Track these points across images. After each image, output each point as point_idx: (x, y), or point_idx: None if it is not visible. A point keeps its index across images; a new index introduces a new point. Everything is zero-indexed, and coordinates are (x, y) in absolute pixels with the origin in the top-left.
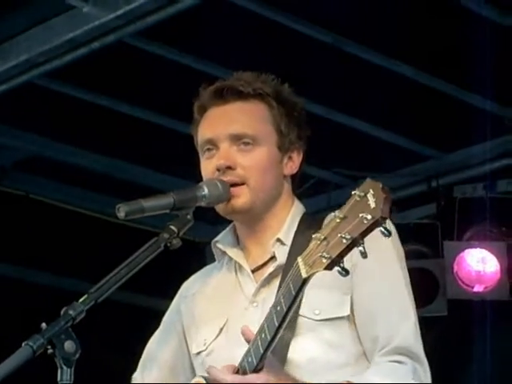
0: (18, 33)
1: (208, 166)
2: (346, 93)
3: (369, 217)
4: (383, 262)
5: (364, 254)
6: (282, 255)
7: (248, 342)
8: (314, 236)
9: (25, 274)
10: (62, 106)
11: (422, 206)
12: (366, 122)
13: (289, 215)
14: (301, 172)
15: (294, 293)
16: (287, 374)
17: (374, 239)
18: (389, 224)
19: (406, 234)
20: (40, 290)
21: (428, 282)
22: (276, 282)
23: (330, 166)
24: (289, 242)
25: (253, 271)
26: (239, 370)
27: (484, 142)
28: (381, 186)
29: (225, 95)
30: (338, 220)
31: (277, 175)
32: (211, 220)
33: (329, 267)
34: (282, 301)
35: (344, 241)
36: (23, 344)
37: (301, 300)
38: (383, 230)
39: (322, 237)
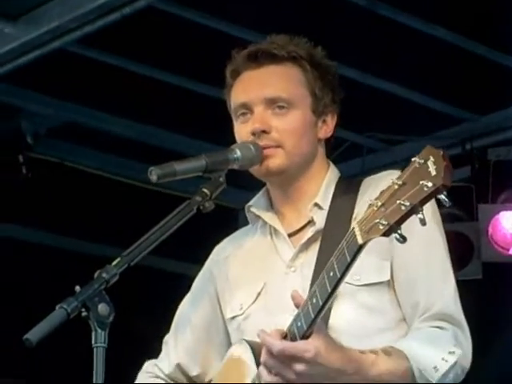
0: None
1: (242, 130)
2: (379, 56)
3: (430, 184)
4: (422, 232)
5: (423, 221)
6: (320, 220)
7: (297, 306)
8: (370, 202)
9: (60, 242)
10: (94, 72)
11: (457, 168)
12: (398, 85)
13: (325, 179)
14: (334, 136)
15: (349, 259)
16: (335, 340)
17: None
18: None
19: None
20: (74, 257)
21: (463, 246)
22: (315, 247)
23: (364, 129)
24: (326, 206)
25: (289, 235)
26: (287, 335)
27: None
28: (441, 153)
29: (259, 58)
30: (396, 186)
31: (312, 139)
32: (245, 185)
33: (386, 234)
34: (336, 266)
35: (403, 207)
36: (57, 307)
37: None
38: (444, 198)
39: (380, 203)
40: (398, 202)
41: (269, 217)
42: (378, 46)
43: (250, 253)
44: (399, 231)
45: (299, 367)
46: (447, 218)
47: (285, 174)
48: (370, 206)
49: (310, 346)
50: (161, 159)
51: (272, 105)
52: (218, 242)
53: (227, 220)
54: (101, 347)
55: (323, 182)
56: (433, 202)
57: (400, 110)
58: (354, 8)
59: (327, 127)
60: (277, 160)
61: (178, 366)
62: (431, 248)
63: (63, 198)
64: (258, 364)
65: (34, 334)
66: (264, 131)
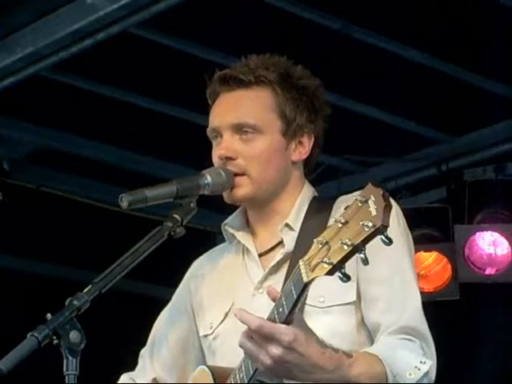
0: (23, 25)
1: (214, 155)
2: (354, 79)
3: (370, 224)
4: (387, 247)
5: (365, 261)
6: (290, 241)
7: (274, 300)
8: (315, 240)
9: (37, 267)
10: (69, 97)
11: (432, 190)
12: (373, 107)
13: (298, 199)
14: (314, 155)
15: (295, 296)
16: (316, 335)
17: None
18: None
19: (417, 219)
20: (48, 282)
21: (440, 266)
22: (283, 270)
23: (339, 152)
24: (297, 227)
25: (260, 255)
26: None
27: (493, 124)
28: (381, 192)
29: (229, 83)
30: (339, 225)
31: (282, 163)
32: (222, 208)
33: (330, 273)
34: (284, 303)
35: (345, 247)
36: (28, 335)
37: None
38: (384, 238)
39: (324, 241)
40: (340, 241)
41: (242, 236)
42: (353, 68)
43: (223, 271)
44: (343, 270)
45: (275, 350)
46: (423, 239)
47: (253, 201)
48: (315, 243)
49: (289, 331)
50: (137, 183)
51: (239, 130)
52: None
53: (205, 243)
54: (72, 375)
55: (296, 202)
56: (400, 220)
57: (375, 131)
58: (328, 31)
59: (303, 148)
60: (242, 189)
61: (154, 380)
62: (394, 265)
63: (40, 223)
64: None
65: (4, 363)
66: (230, 157)
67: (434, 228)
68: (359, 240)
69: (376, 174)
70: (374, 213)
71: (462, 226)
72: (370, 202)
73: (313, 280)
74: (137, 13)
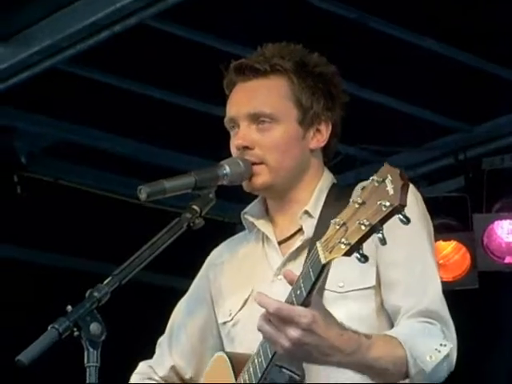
0: (40, 18)
1: (232, 144)
2: (371, 68)
3: (387, 204)
4: (407, 230)
5: (383, 241)
6: (309, 228)
7: (291, 283)
8: (332, 221)
9: (56, 260)
10: (86, 90)
11: (451, 179)
12: (390, 97)
13: (317, 187)
14: (334, 143)
15: (313, 278)
16: (335, 317)
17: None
18: (414, 195)
19: (435, 208)
20: (71, 275)
21: (459, 255)
22: (303, 256)
23: (357, 141)
24: (317, 214)
25: (280, 243)
26: None
27: (511, 112)
28: (399, 171)
29: (245, 72)
30: (356, 206)
31: (299, 151)
32: (241, 199)
33: (348, 253)
34: (302, 285)
35: (363, 227)
36: (49, 327)
37: (325, 278)
38: (402, 217)
39: (341, 222)
40: (357, 221)
41: (262, 224)
42: (369, 58)
43: (243, 259)
44: (360, 251)
45: (294, 332)
46: (442, 228)
47: (272, 189)
48: (332, 224)
49: (307, 313)
50: (155, 176)
51: (256, 120)
52: None
53: (224, 234)
54: (93, 366)
55: (315, 190)
56: (421, 206)
57: (393, 121)
58: (344, 21)
59: (321, 136)
60: (261, 177)
61: (173, 368)
62: (414, 248)
63: (58, 216)
64: (236, 376)
65: (26, 355)
66: (247, 147)
67: (452, 217)
68: (377, 220)
69: (393, 163)
70: (391, 192)
71: (480, 214)
72: (387, 181)
73: (331, 261)
74: (153, 5)
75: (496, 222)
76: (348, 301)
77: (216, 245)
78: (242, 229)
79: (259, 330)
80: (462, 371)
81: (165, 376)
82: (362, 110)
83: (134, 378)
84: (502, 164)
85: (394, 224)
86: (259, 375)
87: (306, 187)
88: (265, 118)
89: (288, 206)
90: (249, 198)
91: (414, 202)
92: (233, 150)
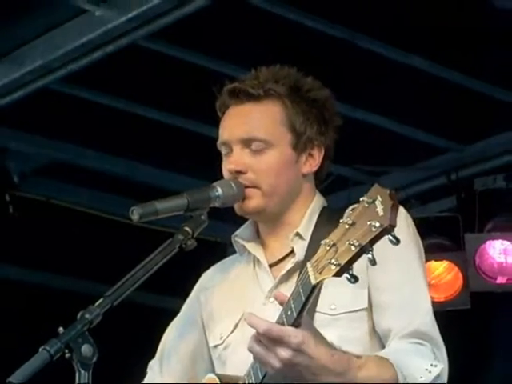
0: (32, 38)
1: (224, 168)
2: (363, 88)
3: (377, 224)
4: (398, 253)
5: (373, 262)
6: (300, 250)
7: (281, 304)
8: (322, 242)
9: (46, 279)
10: (79, 110)
11: (443, 199)
12: (383, 117)
13: (308, 210)
14: (326, 166)
15: (303, 299)
16: (325, 337)
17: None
18: (404, 217)
19: (427, 228)
20: (60, 295)
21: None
22: (294, 278)
23: (349, 162)
24: (308, 236)
25: (271, 266)
26: None
27: (503, 132)
28: (388, 192)
29: (238, 96)
30: (346, 226)
31: (293, 176)
32: (232, 219)
33: (338, 274)
34: (293, 306)
35: (353, 248)
36: (40, 349)
37: (316, 299)
38: (391, 237)
39: (331, 242)
40: (347, 242)
41: (252, 247)
42: (359, 77)
43: (234, 282)
44: (350, 271)
45: (284, 353)
46: (434, 248)
47: (264, 213)
48: (323, 245)
49: (297, 333)
50: (147, 196)
51: (249, 144)
52: None
53: (215, 254)
54: None
55: (306, 213)
56: (410, 228)
57: (384, 141)
58: (333, 40)
59: (313, 161)
60: (254, 201)
61: None
62: (405, 271)
63: (50, 236)
64: None
65: (16, 377)
66: (240, 172)
67: (444, 237)
68: (367, 240)
69: (385, 183)
70: (381, 213)
71: (472, 234)
72: (376, 202)
73: (321, 282)
74: (145, 25)
75: (488, 242)
76: (340, 323)
77: (207, 265)
78: (234, 250)
79: (250, 350)
80: None
81: None
82: (354, 130)
83: None
84: (494, 184)
85: (384, 246)
86: None
87: (298, 210)
88: (258, 142)
89: (279, 228)
90: (240, 218)
91: (405, 224)
92: (225, 173)
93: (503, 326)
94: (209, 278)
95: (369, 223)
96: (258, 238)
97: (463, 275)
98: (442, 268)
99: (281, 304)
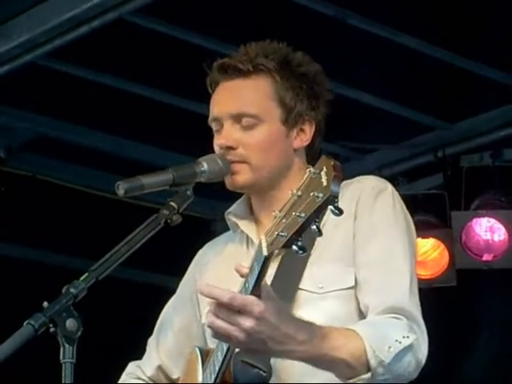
0: (19, 12)
1: (215, 143)
2: (349, 65)
3: (320, 195)
4: (381, 231)
5: (318, 233)
6: None
7: (242, 277)
8: (273, 213)
9: (32, 255)
10: (65, 85)
11: (429, 176)
12: (370, 94)
13: None
14: (318, 141)
15: (257, 271)
16: (286, 307)
17: (371, 205)
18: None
19: (414, 205)
20: (47, 270)
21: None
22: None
23: (335, 139)
24: None
25: None
26: None
27: (489, 110)
28: (332, 163)
29: (228, 72)
30: (295, 198)
31: (283, 151)
32: (219, 196)
33: (286, 245)
34: (249, 278)
35: (299, 219)
36: (25, 323)
37: (301, 273)
38: (333, 208)
39: (282, 214)
40: (294, 213)
41: (245, 224)
42: (347, 54)
43: (227, 260)
44: (299, 243)
45: (247, 322)
46: (420, 225)
47: (254, 188)
48: (274, 217)
49: (259, 301)
50: (134, 171)
51: (239, 120)
52: (191, 253)
53: (201, 231)
54: (69, 363)
55: None
56: (395, 194)
57: (371, 118)
58: (322, 18)
59: (304, 136)
60: (242, 176)
61: (160, 367)
62: (387, 246)
63: (36, 211)
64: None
65: (1, 351)
66: (230, 147)
67: (430, 214)
68: (311, 211)
69: (372, 160)
70: (324, 183)
71: (458, 212)
72: (322, 173)
73: (273, 253)
74: (132, 0)
75: (474, 220)
76: (328, 301)
77: (192, 241)
78: (218, 225)
79: (210, 326)
80: (438, 368)
81: (152, 376)
82: (341, 107)
83: (122, 378)
84: (481, 161)
85: (367, 226)
86: (217, 370)
87: (289, 186)
88: (248, 117)
89: (271, 204)
90: (227, 194)
91: (391, 202)
92: (216, 148)
93: (489, 303)
94: (203, 254)
95: (312, 194)
96: (251, 215)
97: (450, 252)
98: (428, 245)
99: (242, 277)
